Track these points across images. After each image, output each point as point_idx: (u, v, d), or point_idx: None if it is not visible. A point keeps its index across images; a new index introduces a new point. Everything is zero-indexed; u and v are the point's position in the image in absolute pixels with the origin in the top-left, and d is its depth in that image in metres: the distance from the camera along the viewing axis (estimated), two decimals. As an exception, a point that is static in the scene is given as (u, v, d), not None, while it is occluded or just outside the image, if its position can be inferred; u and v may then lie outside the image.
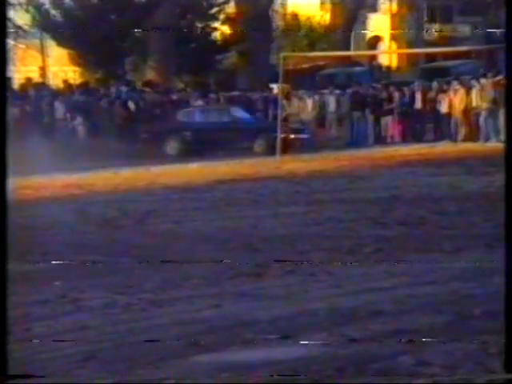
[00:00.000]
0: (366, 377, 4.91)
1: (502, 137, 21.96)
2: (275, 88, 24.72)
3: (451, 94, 22.94)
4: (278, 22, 36.41)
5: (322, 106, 24.21)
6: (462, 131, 22.80)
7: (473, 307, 6.31)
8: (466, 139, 22.56)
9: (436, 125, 23.54)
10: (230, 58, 32.80)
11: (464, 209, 11.34)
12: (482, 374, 4.76)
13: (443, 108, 22.93)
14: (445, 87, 23.34)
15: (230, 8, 32.40)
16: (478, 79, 23.20)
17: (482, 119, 22.42)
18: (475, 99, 22.52)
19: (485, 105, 22.32)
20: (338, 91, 24.53)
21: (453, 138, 22.83)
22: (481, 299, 6.57)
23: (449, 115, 22.94)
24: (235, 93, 26.06)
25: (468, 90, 22.75)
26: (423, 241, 9.18)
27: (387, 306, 6.46)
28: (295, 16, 38.73)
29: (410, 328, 5.84)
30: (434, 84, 23.74)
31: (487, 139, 22.17)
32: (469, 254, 8.42)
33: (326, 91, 24.73)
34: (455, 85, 23.09)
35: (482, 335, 5.59)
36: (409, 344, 5.48)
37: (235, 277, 7.70)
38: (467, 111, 22.65)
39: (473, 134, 22.65)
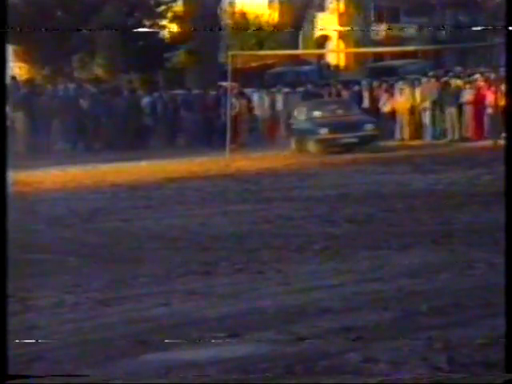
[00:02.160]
0: (314, 374, 4.94)
1: (449, 135, 22.24)
2: (224, 86, 24.72)
3: (398, 93, 23.14)
4: (226, 21, 36.40)
5: (271, 105, 24.27)
6: (409, 130, 23.00)
7: (419, 303, 6.38)
8: (412, 138, 22.78)
9: (383, 123, 23.72)
10: (179, 57, 32.71)
11: (411, 206, 11.45)
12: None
13: (390, 107, 23.13)
14: (393, 86, 23.54)
15: (178, 6, 32.31)
16: (423, 78, 23.44)
17: (427, 118, 22.66)
18: (421, 98, 22.74)
19: (430, 104, 22.56)
20: (287, 89, 24.61)
21: (400, 136, 23.03)
22: (427, 295, 6.65)
23: (395, 114, 23.14)
24: (183, 91, 26.00)
25: (414, 89, 22.97)
26: (371, 238, 9.26)
27: (335, 304, 6.50)
28: (243, 15, 38.75)
29: (358, 325, 5.89)
30: (382, 83, 23.93)
31: (434, 138, 22.41)
32: (416, 250, 8.52)
33: (274, 89, 24.81)
34: (402, 84, 23.31)
35: (427, 331, 5.66)
36: (356, 341, 5.52)
37: (184, 275, 7.70)
38: (413, 110, 22.88)
39: (419, 133, 22.88)
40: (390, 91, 23.29)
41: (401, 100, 22.93)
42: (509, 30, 4.49)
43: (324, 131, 20.44)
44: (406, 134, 22.90)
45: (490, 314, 6.02)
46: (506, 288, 4.48)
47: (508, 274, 4.45)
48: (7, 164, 4.61)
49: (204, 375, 4.96)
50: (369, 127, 20.60)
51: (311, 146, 20.54)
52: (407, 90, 22.96)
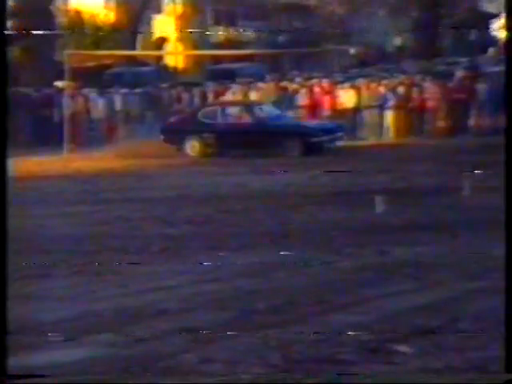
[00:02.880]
0: (152, 376, 4.94)
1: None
2: (60, 85, 24.32)
3: (232, 96, 23.39)
4: (60, 19, 35.76)
5: (109, 105, 24.04)
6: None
7: (256, 302, 6.48)
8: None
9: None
10: (13, 53, 31.87)
11: (249, 207, 11.61)
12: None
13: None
14: (230, 89, 23.79)
15: (10, 1, 31.46)
16: (261, 82, 23.83)
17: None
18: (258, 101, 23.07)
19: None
20: (124, 90, 24.44)
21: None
22: (264, 294, 6.76)
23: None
24: (17, 89, 25.32)
25: (248, 92, 23.29)
26: (209, 239, 9.33)
27: (173, 305, 6.52)
28: (78, 13, 38.18)
29: (195, 326, 5.93)
30: (221, 85, 24.15)
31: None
32: (254, 251, 8.64)
33: (111, 90, 24.59)
34: (238, 87, 23.58)
35: (263, 329, 5.76)
36: (193, 341, 5.56)
37: (18, 278, 7.52)
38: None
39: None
40: (229, 94, 23.52)
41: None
42: (509, 31, 4.57)
43: (321, 134, 19.27)
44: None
45: (323, 311, 6.19)
46: (506, 288, 4.40)
47: (508, 271, 4.37)
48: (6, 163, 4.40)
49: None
50: (340, 131, 19.99)
51: (296, 149, 19.08)
52: (244, 93, 23.25)
